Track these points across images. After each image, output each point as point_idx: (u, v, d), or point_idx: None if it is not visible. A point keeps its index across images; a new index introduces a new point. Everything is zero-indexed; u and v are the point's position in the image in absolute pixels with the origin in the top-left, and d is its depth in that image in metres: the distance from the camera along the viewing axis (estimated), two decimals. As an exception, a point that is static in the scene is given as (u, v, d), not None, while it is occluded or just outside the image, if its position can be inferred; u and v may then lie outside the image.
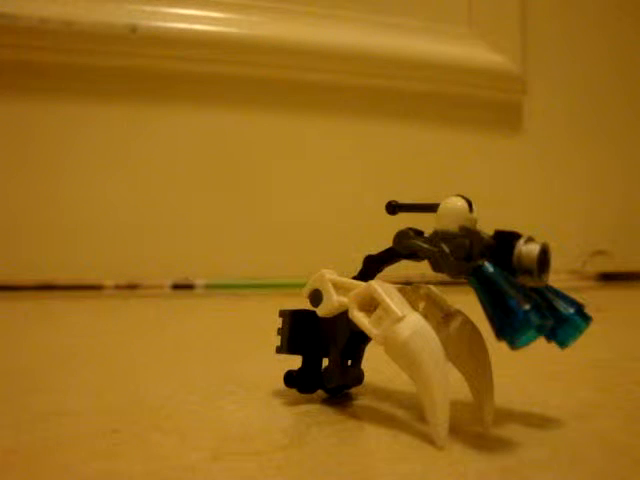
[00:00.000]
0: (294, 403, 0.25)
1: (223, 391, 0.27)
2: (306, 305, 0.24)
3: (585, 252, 0.83)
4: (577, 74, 0.86)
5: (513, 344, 0.18)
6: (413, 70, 0.76)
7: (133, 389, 0.28)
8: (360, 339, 0.24)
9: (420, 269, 0.26)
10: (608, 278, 0.83)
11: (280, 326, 0.25)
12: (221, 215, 0.72)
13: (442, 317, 0.23)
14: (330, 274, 0.24)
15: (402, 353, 0.20)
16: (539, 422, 0.22)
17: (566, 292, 0.22)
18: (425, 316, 0.21)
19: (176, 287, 0.69)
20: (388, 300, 0.21)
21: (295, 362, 0.25)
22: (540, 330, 0.19)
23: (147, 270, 0.69)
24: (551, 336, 0.21)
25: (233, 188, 0.73)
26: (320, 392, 0.25)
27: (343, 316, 0.23)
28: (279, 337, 0.25)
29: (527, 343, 0.19)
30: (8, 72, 0.67)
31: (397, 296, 0.22)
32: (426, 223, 0.23)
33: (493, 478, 0.17)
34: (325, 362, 0.25)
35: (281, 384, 0.25)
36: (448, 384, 0.20)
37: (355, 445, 0.20)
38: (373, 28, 0.76)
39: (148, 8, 0.68)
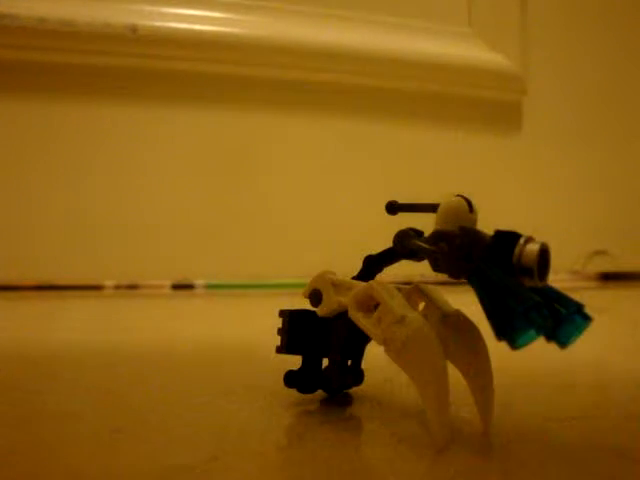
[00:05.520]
0: (294, 403, 0.25)
1: (223, 391, 0.27)
2: (306, 305, 0.24)
3: (585, 252, 0.83)
4: (577, 74, 0.86)
5: (513, 344, 0.18)
6: (413, 70, 0.76)
7: (133, 389, 0.28)
8: (360, 339, 0.24)
9: (420, 269, 0.26)
10: (608, 278, 0.83)
11: (280, 326, 0.25)
12: (221, 215, 0.72)
13: (442, 317, 0.23)
14: (330, 274, 0.24)
15: (402, 353, 0.20)
16: (539, 422, 0.22)
17: (566, 292, 0.22)
18: (425, 316, 0.21)
19: (176, 287, 0.69)
20: (388, 300, 0.21)
21: (295, 362, 0.25)
22: (540, 330, 0.19)
23: (147, 270, 0.69)
24: (551, 336, 0.21)
25: (233, 188, 0.73)
26: (320, 392, 0.25)
27: (343, 316, 0.23)
28: (279, 337, 0.25)
29: (527, 343, 0.19)
30: (8, 72, 0.67)
31: (397, 296, 0.22)
32: (426, 223, 0.23)
33: (493, 478, 0.17)
34: (325, 362, 0.25)
35: (281, 384, 0.25)
36: (448, 384, 0.20)
37: (355, 445, 0.20)
38: (373, 28, 0.76)
39: (148, 8, 0.68)
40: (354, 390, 0.26)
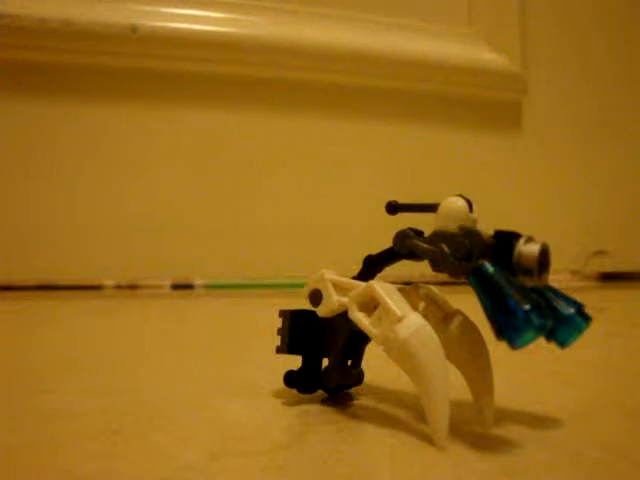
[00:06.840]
0: (294, 403, 0.25)
1: (223, 391, 0.27)
2: (306, 305, 0.24)
3: (585, 252, 0.83)
4: (577, 73, 0.86)
5: (513, 344, 0.18)
6: (413, 70, 0.76)
7: (133, 389, 0.28)
8: (360, 339, 0.24)
9: (420, 269, 0.26)
10: (608, 278, 0.83)
11: (280, 326, 0.25)
12: (221, 215, 0.72)
13: (442, 317, 0.23)
14: (330, 274, 0.24)
15: (402, 353, 0.20)
16: (539, 422, 0.22)
17: (566, 292, 0.22)
18: (425, 316, 0.21)
19: (176, 287, 0.69)
20: (388, 300, 0.21)
21: (295, 362, 0.25)
22: (540, 330, 0.19)
23: (147, 270, 0.68)
24: (551, 336, 0.21)
25: (233, 188, 0.73)
26: (320, 392, 0.25)
27: (343, 316, 0.23)
28: (279, 337, 0.25)
29: (527, 343, 0.19)
30: (8, 72, 0.67)
31: (397, 296, 0.22)
32: (426, 223, 0.23)
33: (493, 478, 0.17)
34: (325, 362, 0.25)
35: (281, 384, 0.25)
36: (448, 384, 0.20)
37: (355, 445, 0.20)
38: (373, 28, 0.76)
39: (148, 8, 0.68)
40: (354, 390, 0.26)
